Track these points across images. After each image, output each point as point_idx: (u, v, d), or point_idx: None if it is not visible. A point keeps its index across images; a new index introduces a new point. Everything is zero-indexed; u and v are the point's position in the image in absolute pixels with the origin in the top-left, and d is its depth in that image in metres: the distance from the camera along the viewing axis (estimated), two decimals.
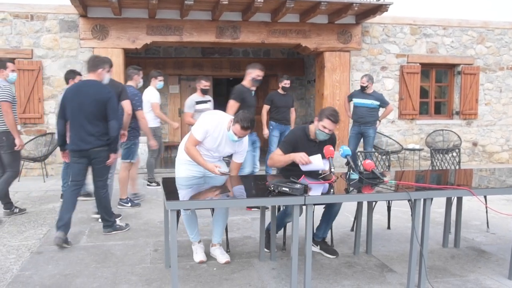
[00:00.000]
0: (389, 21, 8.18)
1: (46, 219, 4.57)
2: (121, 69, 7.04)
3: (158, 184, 6.13)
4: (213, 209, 3.52)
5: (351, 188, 3.03)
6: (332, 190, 3.01)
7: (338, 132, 8.02)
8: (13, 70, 4.50)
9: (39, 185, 6.40)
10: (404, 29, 8.35)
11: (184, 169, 3.40)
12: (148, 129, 5.14)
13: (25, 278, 3.05)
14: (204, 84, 5.64)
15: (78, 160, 3.82)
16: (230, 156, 3.49)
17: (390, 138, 8.32)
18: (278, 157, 3.40)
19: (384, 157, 4.26)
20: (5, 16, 6.99)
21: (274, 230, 3.44)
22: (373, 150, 6.62)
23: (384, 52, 8.29)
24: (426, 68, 8.67)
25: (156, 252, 3.59)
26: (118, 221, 4.20)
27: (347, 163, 3.20)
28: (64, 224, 3.68)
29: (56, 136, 6.96)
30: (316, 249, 3.52)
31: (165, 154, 6.30)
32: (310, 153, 3.30)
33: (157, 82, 5.81)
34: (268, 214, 3.52)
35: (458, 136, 8.48)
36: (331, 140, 3.47)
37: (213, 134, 3.25)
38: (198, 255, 3.38)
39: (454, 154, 4.63)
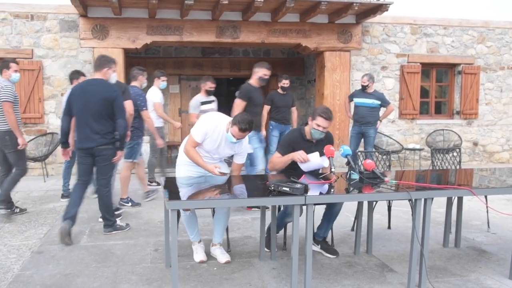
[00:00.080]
0: (389, 20, 8.17)
1: (46, 218, 4.57)
2: (121, 69, 7.03)
3: (158, 184, 6.13)
4: (213, 209, 3.52)
5: (351, 188, 3.03)
6: (332, 190, 3.01)
7: (338, 132, 8.02)
8: (16, 71, 4.51)
9: (40, 184, 6.40)
10: (405, 28, 8.34)
11: (184, 170, 3.41)
12: (154, 128, 5.21)
13: (26, 278, 3.06)
14: (210, 85, 5.67)
15: (84, 159, 3.87)
16: (232, 157, 3.50)
17: (391, 138, 8.32)
18: (277, 159, 3.42)
19: (384, 157, 4.26)
20: (5, 16, 6.99)
21: (275, 230, 3.44)
22: (374, 150, 6.62)
23: (385, 52, 8.28)
24: (427, 68, 8.67)
25: (156, 251, 3.59)
26: (118, 221, 4.20)
27: (348, 163, 3.21)
28: (70, 217, 3.75)
29: (55, 136, 7.06)
30: (317, 248, 3.52)
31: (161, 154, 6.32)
32: (307, 153, 3.32)
33: (160, 82, 5.82)
34: (268, 214, 3.52)
35: (459, 136, 8.48)
36: (328, 139, 3.49)
37: (212, 135, 3.25)
38: (199, 254, 3.38)
39: (455, 154, 4.63)
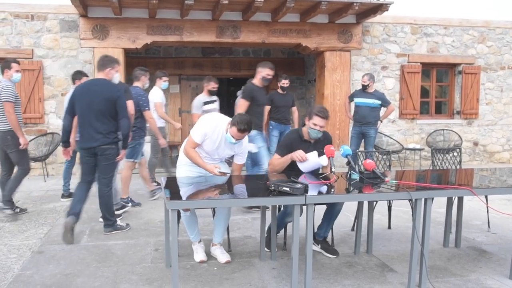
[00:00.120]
0: (389, 20, 8.17)
1: (47, 218, 4.57)
2: (121, 69, 7.02)
3: (158, 184, 6.13)
4: (214, 209, 3.52)
5: (351, 188, 3.03)
6: (332, 190, 3.01)
7: (338, 132, 8.02)
8: (17, 71, 4.52)
9: (40, 184, 6.41)
10: (405, 28, 8.34)
11: (184, 171, 3.42)
12: (157, 128, 5.24)
13: (26, 278, 3.06)
14: (213, 85, 5.68)
15: (87, 159, 3.90)
16: (232, 157, 3.50)
17: (391, 137, 8.31)
18: (276, 161, 3.44)
19: (384, 156, 4.26)
20: (5, 16, 7.00)
21: (275, 230, 3.44)
22: (374, 149, 6.62)
23: (385, 52, 8.28)
24: (427, 68, 8.66)
25: (156, 251, 3.59)
26: (118, 220, 4.21)
27: (348, 163, 3.21)
28: (74, 213, 3.79)
29: (56, 136, 7.06)
30: (317, 248, 3.52)
31: (160, 154, 6.32)
32: (306, 153, 3.33)
33: (162, 83, 5.83)
34: (268, 214, 3.52)
35: (459, 136, 8.47)
36: (326, 139, 3.51)
37: (211, 136, 3.26)
38: (199, 254, 3.38)
39: (455, 153, 4.63)
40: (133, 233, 4.06)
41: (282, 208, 3.54)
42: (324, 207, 3.52)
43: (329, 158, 3.28)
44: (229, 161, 3.66)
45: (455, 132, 8.53)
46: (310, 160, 3.33)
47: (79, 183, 3.98)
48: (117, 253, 3.55)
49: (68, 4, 6.63)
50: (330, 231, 3.66)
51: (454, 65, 8.74)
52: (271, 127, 6.44)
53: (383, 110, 6.63)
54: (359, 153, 4.31)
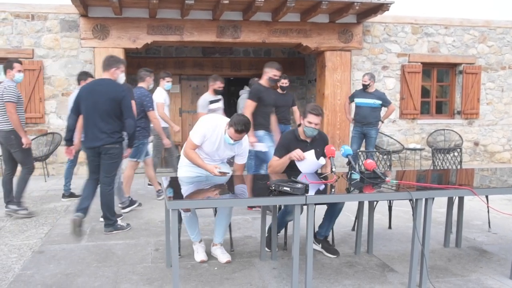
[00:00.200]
0: (390, 20, 8.16)
1: (47, 218, 4.57)
2: None
3: (159, 184, 6.13)
4: (215, 209, 3.52)
5: (352, 188, 3.03)
6: (333, 190, 3.01)
7: (339, 132, 8.02)
8: (19, 71, 4.53)
9: (40, 184, 6.41)
10: (406, 28, 8.34)
11: (185, 171, 3.44)
12: (161, 129, 5.27)
13: (27, 277, 3.06)
14: (219, 85, 5.68)
15: (93, 159, 3.96)
16: (234, 157, 3.51)
17: (391, 137, 8.31)
18: (276, 162, 3.47)
19: (385, 156, 4.26)
20: (6, 16, 7.00)
21: (275, 230, 3.44)
22: (374, 149, 6.61)
23: (385, 52, 8.28)
24: (428, 68, 8.66)
25: (157, 251, 3.59)
26: (119, 220, 4.21)
27: (349, 163, 3.21)
28: (82, 208, 3.84)
29: (56, 136, 7.06)
30: (318, 247, 3.52)
31: (165, 154, 6.31)
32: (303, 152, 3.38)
33: (165, 83, 5.84)
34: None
35: (460, 136, 8.47)
36: (322, 138, 3.55)
37: (210, 138, 3.27)
38: (199, 254, 3.38)
39: (456, 153, 4.62)
40: (133, 233, 4.06)
41: (282, 207, 3.54)
42: (325, 206, 3.52)
43: (329, 158, 3.30)
44: (230, 161, 3.67)
45: (456, 132, 8.53)
46: (308, 160, 3.35)
47: (87, 180, 4.05)
48: (118, 253, 3.55)
49: (69, 4, 6.63)
50: (331, 231, 3.66)
51: (455, 65, 8.74)
52: None
53: (383, 110, 6.63)
54: (360, 153, 4.31)
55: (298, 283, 2.73)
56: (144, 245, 3.75)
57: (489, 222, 4.34)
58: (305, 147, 3.44)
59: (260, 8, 6.86)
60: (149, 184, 6.21)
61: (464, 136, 8.64)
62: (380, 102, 6.40)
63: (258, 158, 4.83)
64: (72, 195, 5.42)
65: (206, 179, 3.28)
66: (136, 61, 8.45)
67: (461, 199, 3.81)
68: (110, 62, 3.98)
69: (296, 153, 3.34)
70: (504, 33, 8.74)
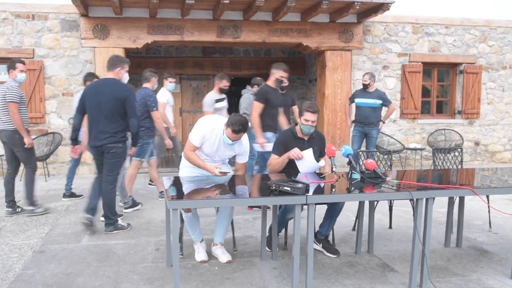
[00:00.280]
0: (390, 20, 8.16)
1: (48, 218, 4.58)
2: None
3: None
4: (217, 208, 3.52)
5: (352, 188, 3.03)
6: (333, 190, 3.01)
7: (339, 132, 8.02)
8: (22, 71, 4.53)
9: (41, 184, 6.41)
10: (406, 28, 8.33)
11: (185, 172, 3.45)
12: (163, 129, 5.28)
13: (28, 277, 3.06)
14: (225, 83, 5.68)
15: (97, 158, 4.03)
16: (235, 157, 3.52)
17: (392, 137, 8.31)
18: (274, 161, 3.49)
19: (385, 156, 4.25)
20: (6, 15, 7.00)
21: (276, 230, 3.44)
22: (375, 149, 6.60)
23: (386, 51, 8.27)
24: (428, 67, 8.65)
25: (157, 251, 3.59)
26: (120, 220, 4.21)
27: (349, 163, 3.21)
28: (91, 208, 3.97)
29: (57, 136, 7.07)
30: (318, 247, 3.52)
31: (165, 154, 6.32)
32: (301, 151, 3.41)
33: (168, 84, 5.84)
34: (269, 213, 3.52)
35: (460, 136, 8.46)
36: (319, 136, 3.60)
37: (209, 139, 3.28)
38: (200, 254, 3.38)
39: (456, 153, 4.62)
40: (134, 233, 4.06)
41: (282, 206, 3.54)
42: (325, 206, 3.52)
43: (330, 157, 3.30)
44: (232, 160, 3.67)
45: (456, 131, 8.52)
46: (306, 159, 3.38)
47: (95, 179, 4.10)
48: (118, 252, 3.55)
49: (69, 4, 6.63)
50: (331, 230, 3.65)
51: (456, 65, 8.73)
52: None
53: (384, 110, 6.62)
54: (360, 152, 4.31)
55: (299, 283, 2.73)
56: (144, 244, 3.75)
57: (489, 222, 4.34)
58: (302, 144, 3.47)
59: (260, 8, 6.85)
60: (149, 184, 6.22)
61: (465, 136, 8.63)
62: (380, 101, 6.38)
63: (264, 159, 4.83)
64: (72, 195, 5.42)
65: (207, 179, 3.28)
66: (136, 61, 8.45)
67: (461, 199, 3.81)
68: (115, 62, 4.01)
69: (294, 152, 3.36)
70: (505, 32, 8.73)
